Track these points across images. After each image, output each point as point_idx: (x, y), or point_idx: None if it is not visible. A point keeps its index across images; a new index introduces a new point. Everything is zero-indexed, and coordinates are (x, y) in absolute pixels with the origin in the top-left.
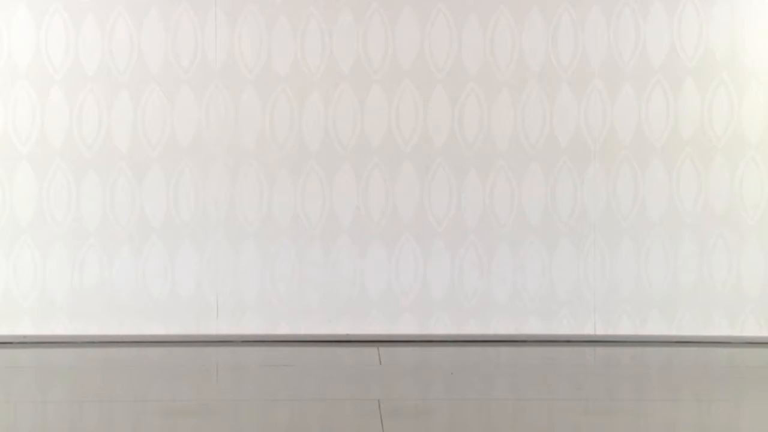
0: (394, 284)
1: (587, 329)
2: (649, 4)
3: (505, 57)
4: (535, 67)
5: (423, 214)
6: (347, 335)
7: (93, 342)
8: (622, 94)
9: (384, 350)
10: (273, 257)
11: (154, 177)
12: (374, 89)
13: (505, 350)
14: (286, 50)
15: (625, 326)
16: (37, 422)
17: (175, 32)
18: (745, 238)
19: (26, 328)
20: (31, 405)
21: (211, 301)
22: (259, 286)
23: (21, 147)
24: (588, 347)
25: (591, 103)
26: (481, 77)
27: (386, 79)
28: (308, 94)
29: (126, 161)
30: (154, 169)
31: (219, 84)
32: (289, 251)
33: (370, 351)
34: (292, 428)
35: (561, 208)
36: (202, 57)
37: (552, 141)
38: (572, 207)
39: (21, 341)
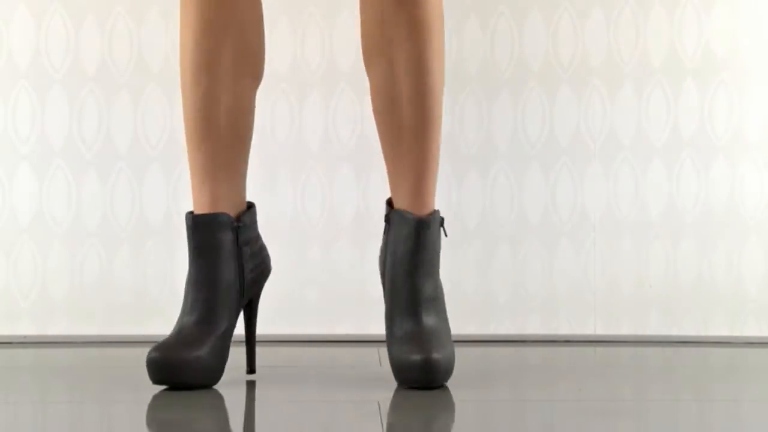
0: None
1: (587, 329)
2: (649, 4)
3: (505, 57)
4: (535, 67)
5: None
6: (347, 335)
7: (93, 342)
8: (622, 94)
9: (384, 351)
10: (272, 257)
11: (154, 177)
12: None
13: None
14: (285, 50)
15: (625, 326)
16: (37, 422)
17: (175, 32)
18: (745, 238)
19: (26, 328)
20: (31, 405)
21: None
22: None
23: (21, 147)
24: (588, 347)
25: (591, 103)
26: (481, 76)
27: None
28: (308, 94)
29: (126, 161)
30: (154, 169)
31: None
32: (289, 251)
33: (371, 351)
34: (292, 428)
35: (561, 208)
36: None
37: (552, 141)
38: (572, 207)
39: (21, 341)
